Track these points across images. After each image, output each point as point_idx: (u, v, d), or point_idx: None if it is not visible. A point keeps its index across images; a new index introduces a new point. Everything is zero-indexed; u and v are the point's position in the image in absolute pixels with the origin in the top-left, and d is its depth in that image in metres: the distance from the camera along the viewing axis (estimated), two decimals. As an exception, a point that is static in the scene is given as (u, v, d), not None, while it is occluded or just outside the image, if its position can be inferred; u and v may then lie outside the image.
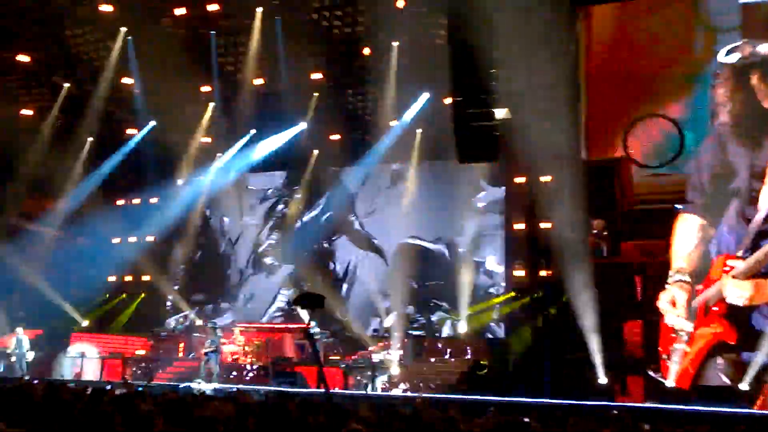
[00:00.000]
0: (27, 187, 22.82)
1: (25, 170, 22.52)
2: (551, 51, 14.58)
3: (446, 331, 20.65)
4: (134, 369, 20.70)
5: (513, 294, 18.60)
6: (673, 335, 13.96)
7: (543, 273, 16.98)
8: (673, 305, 13.93)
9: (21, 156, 22.38)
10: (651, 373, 14.36)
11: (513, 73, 14.15)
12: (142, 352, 22.03)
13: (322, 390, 11.48)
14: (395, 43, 19.82)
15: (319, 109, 22.25)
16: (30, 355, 19.77)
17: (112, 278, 25.36)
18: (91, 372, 20.47)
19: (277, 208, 25.47)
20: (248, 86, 21.71)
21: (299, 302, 7.29)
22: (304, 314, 20.79)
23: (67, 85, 22.81)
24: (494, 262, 21.34)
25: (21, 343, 20.04)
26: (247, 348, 20.67)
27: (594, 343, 14.51)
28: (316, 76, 21.32)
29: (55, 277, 23.53)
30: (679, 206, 14.81)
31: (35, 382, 12.43)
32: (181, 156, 24.40)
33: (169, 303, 25.11)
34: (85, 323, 23.88)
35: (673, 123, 16.00)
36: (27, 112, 23.23)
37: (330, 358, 19.57)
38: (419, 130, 22.18)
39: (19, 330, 20.15)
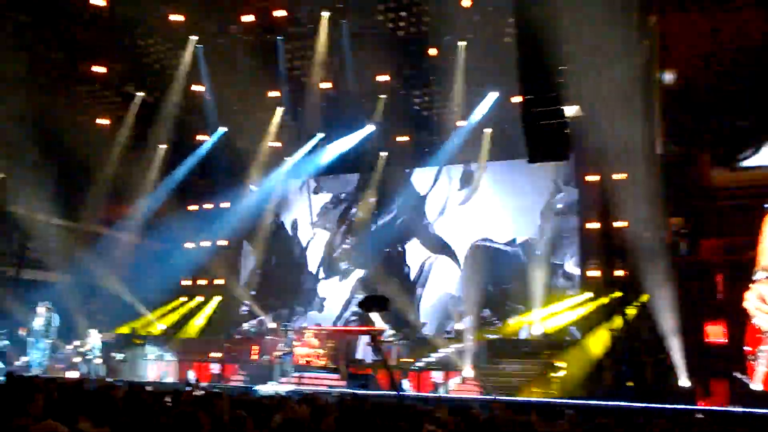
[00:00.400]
0: (105, 193, 23.65)
1: (102, 177, 23.42)
2: (621, 45, 14.53)
3: (522, 333, 20.58)
4: (210, 371, 21.41)
5: (589, 295, 18.48)
6: (760, 336, 13.88)
7: (619, 273, 16.91)
8: (763, 302, 13.76)
9: (98, 164, 23.33)
10: (737, 375, 14.20)
11: (582, 69, 14.11)
12: (217, 354, 22.64)
13: (396, 392, 11.67)
14: (462, 43, 19.94)
15: (387, 110, 22.54)
16: (99, 361, 20.32)
17: (186, 282, 26.27)
18: (168, 374, 21.12)
19: (350, 211, 25.89)
20: (315, 90, 21.89)
21: (364, 305, 7.44)
22: (375, 317, 21.50)
23: (140, 94, 23.69)
24: (573, 265, 21.31)
25: (94, 345, 20.64)
26: (319, 350, 21.02)
27: (674, 344, 14.47)
28: (383, 77, 21.60)
29: (133, 282, 24.47)
30: (768, 205, 14.52)
31: (116, 383, 12.97)
32: (251, 160, 24.98)
33: (244, 307, 25.73)
34: (162, 326, 24.89)
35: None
36: (103, 121, 23.99)
37: (402, 360, 19.80)
38: (488, 130, 22.19)
39: (93, 332, 20.82)
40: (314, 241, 26.07)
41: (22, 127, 21.29)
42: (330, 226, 25.86)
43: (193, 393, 9.57)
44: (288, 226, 26.89)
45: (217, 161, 25.00)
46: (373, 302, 7.67)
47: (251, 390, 15.70)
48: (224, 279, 26.10)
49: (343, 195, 26.05)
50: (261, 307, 25.23)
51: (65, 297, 22.13)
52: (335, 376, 19.51)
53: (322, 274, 25.69)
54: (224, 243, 26.30)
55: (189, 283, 26.26)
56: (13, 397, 5.33)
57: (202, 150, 25.16)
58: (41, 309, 19.53)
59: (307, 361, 20.88)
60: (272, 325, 23.85)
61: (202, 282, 26.37)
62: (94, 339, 20.42)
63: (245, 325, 24.13)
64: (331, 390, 16.52)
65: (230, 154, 24.53)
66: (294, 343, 19.98)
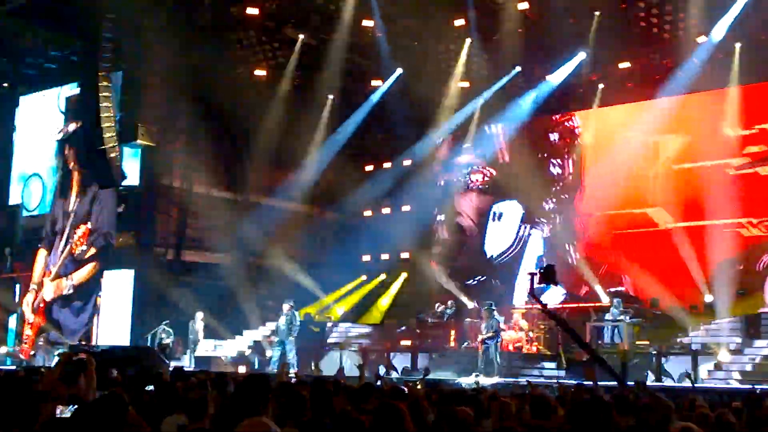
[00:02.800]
0: (266, 157, 24.51)
1: (262, 138, 24.28)
2: None
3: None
4: (398, 361, 21.85)
5: None
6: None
7: None
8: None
9: (257, 123, 24.13)
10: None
11: None
12: (406, 342, 23.04)
13: (629, 382, 11.48)
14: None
15: (603, 31, 21.88)
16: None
17: (366, 258, 26.92)
18: (351, 364, 21.80)
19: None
20: (511, 12, 21.71)
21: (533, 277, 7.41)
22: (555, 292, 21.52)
23: (301, 36, 24.12)
24: None
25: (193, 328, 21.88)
26: (531, 334, 21.08)
27: None
28: (595, -10, 21.20)
29: (304, 259, 25.52)
30: None
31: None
32: (435, 107, 24.98)
33: (438, 285, 25.80)
34: (342, 309, 25.69)
35: None
36: (260, 72, 24.93)
37: (637, 343, 19.47)
38: (738, 45, 21.23)
39: (198, 315, 21.94)
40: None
41: (172, 88, 22.74)
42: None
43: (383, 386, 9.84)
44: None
45: (394, 110, 25.20)
46: (541, 275, 7.98)
47: (455, 383, 15.92)
48: (410, 252, 26.47)
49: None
50: (457, 284, 25.40)
51: (229, 280, 23.79)
52: (551, 364, 19.56)
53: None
54: (407, 209, 26.65)
55: (369, 258, 26.85)
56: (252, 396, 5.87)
57: (376, 98, 25.52)
58: (286, 307, 20.67)
59: (516, 348, 20.94)
60: (472, 305, 23.97)
61: (384, 257, 26.95)
62: (195, 321, 21.58)
63: (439, 307, 23.96)
64: (548, 381, 16.62)
65: (410, 101, 24.55)
66: (501, 326, 19.97)
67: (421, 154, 26.04)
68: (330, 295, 25.62)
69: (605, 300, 22.36)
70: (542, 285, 11.01)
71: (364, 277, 26.68)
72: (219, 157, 24.64)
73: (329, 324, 24.23)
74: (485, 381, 16.77)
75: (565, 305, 23.37)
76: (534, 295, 11.51)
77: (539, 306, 14.22)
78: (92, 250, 24.34)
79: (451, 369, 19.85)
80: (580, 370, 17.29)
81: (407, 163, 26.49)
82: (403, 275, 26.61)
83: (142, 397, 7.55)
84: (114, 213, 24.39)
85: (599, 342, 20.04)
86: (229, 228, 24.50)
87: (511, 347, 21.01)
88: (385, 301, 26.52)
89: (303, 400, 6.06)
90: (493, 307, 19.90)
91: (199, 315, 21.98)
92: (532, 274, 10.62)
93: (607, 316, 20.58)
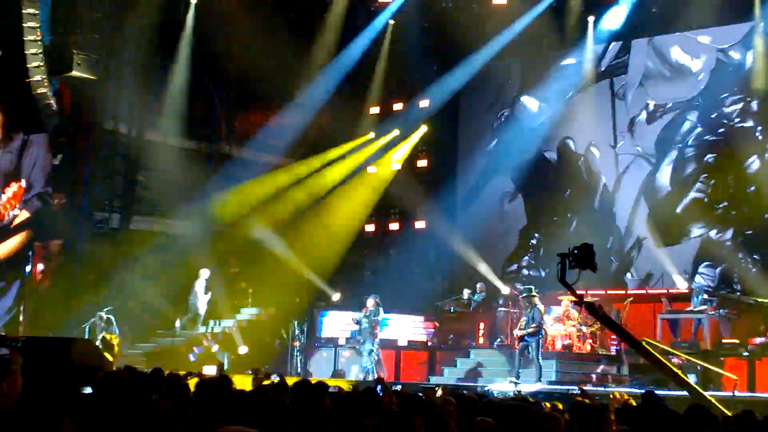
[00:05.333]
0: (241, 96, 24.87)
1: (236, 72, 24.06)
2: None
3: None
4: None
5: None
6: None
7: None
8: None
9: (229, 51, 23.90)
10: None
11: None
12: (422, 336, 23.23)
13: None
14: None
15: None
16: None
17: (369, 227, 27.42)
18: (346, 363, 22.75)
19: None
20: None
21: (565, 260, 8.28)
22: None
23: None
24: None
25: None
26: (584, 328, 20.85)
27: None
28: None
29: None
30: None
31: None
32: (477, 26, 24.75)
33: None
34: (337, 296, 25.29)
35: None
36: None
37: (724, 341, 19.28)
38: None
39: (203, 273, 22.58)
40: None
41: (117, 4, 22.72)
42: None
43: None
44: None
45: (409, 37, 25.14)
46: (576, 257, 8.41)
47: (482, 390, 15.97)
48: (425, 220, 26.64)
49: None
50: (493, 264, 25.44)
51: (192, 255, 23.78)
52: (612, 366, 19.95)
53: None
54: (423, 164, 27.08)
55: (373, 228, 27.34)
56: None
57: (385, 19, 25.36)
58: (371, 302, 21.30)
59: (565, 346, 20.88)
60: (507, 289, 23.95)
61: (393, 226, 27.63)
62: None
63: (464, 292, 23.87)
64: (606, 388, 16.67)
65: (430, 20, 24.51)
66: (544, 317, 19.76)
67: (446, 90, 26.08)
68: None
69: (682, 285, 22.42)
70: (576, 269, 11.04)
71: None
72: (179, 95, 24.25)
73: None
74: (524, 388, 16.86)
75: (629, 292, 23.44)
76: (566, 282, 11.26)
77: (572, 297, 14.29)
78: (24, 215, 23.59)
79: (481, 372, 20.15)
80: (650, 375, 17.48)
81: (424, 104, 26.45)
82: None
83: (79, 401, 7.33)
84: (50, 166, 23.87)
85: (674, 339, 19.94)
86: (192, 188, 24.32)
87: (558, 345, 20.92)
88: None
89: (285, 409, 6.00)
90: (534, 293, 19.66)
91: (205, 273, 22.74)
92: (564, 256, 10.76)
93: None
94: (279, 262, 24.32)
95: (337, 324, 23.71)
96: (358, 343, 21.50)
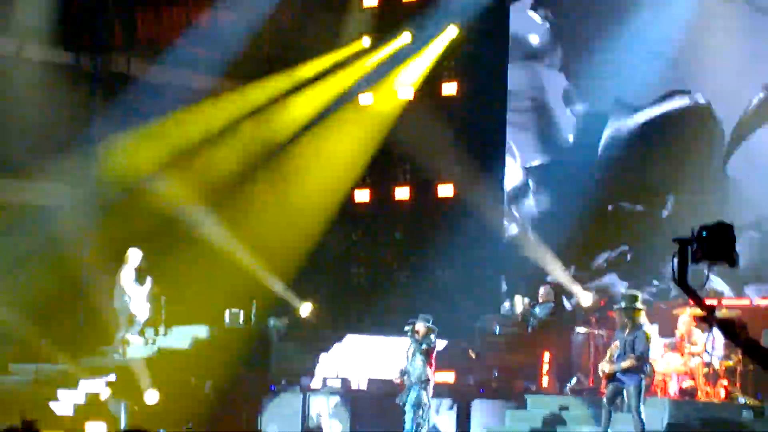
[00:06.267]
0: None
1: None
2: None
3: None
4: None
5: None
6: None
7: None
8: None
9: None
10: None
11: None
12: (445, 373, 20.83)
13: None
14: None
15: None
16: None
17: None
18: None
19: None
20: None
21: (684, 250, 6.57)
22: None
23: None
24: None
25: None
26: (716, 361, 18.25)
27: None
28: None
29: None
30: None
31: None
32: None
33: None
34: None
35: None
36: None
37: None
38: None
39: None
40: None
41: None
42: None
43: None
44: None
45: None
46: (711, 244, 6.44)
47: None
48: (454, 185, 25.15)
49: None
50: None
51: (71, 240, 21.79)
52: (759, 422, 17.89)
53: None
54: (452, 91, 25.14)
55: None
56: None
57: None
58: (421, 328, 18.69)
59: (684, 389, 18.54)
60: (588, 301, 21.80)
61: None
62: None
63: (519, 303, 21.66)
64: None
65: None
66: (650, 344, 17.27)
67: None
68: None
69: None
70: (704, 264, 6.98)
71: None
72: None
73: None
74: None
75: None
76: (686, 285, 6.98)
77: (694, 305, 9.71)
78: None
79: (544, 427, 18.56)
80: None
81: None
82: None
83: None
84: None
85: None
86: (68, 131, 22.18)
87: (672, 388, 18.29)
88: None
89: None
90: (640, 304, 17.08)
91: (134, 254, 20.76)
92: (683, 242, 7.20)
93: None
94: (212, 253, 22.17)
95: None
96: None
